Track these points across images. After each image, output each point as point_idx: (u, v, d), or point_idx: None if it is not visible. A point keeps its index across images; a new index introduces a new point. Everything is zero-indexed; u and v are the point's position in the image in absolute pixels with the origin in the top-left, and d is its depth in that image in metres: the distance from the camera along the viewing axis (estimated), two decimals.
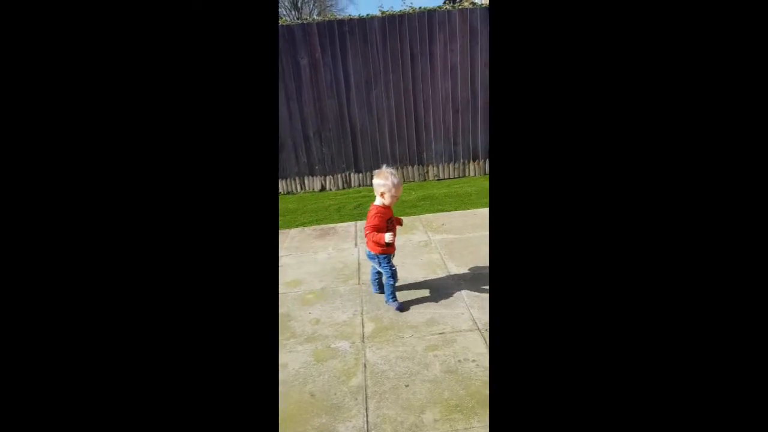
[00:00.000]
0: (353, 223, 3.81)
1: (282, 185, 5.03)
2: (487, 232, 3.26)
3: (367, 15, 4.48)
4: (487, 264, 2.80)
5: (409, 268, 2.82)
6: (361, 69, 4.58)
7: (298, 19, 14.88)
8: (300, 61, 4.54)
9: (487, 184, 4.70)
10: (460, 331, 2.11)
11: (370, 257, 2.34)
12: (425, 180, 5.07)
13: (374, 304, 2.42)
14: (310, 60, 4.53)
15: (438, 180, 5.09)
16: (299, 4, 21.27)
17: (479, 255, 2.94)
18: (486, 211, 3.81)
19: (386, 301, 2.39)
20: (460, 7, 4.52)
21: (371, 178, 5.32)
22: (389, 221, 2.25)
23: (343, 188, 5.04)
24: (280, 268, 2.95)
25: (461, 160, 5.05)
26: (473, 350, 1.95)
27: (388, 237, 2.15)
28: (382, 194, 2.19)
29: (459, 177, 5.09)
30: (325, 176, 5.03)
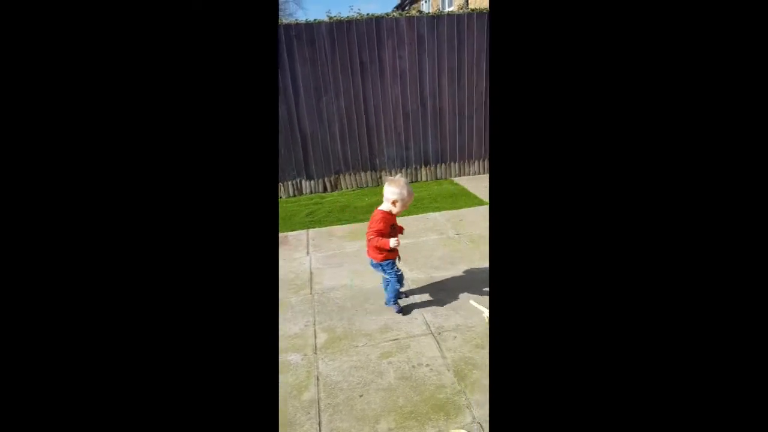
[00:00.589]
0: (305, 231, 3.73)
1: None
2: (439, 236, 3.32)
3: (315, 20, 4.43)
4: (440, 267, 2.83)
5: (363, 274, 2.79)
6: (310, 75, 4.51)
7: None
8: None
9: (438, 189, 4.78)
10: (414, 336, 2.11)
11: (374, 266, 2.30)
12: (378, 185, 5.07)
13: (327, 314, 2.37)
14: None
15: None
16: None
17: (432, 258, 2.97)
18: (438, 215, 3.86)
19: (386, 304, 2.37)
20: (407, 15, 4.59)
21: (323, 185, 5.29)
22: (392, 227, 2.24)
23: (295, 195, 4.93)
24: None
25: (413, 165, 5.11)
26: (427, 354, 1.95)
27: (392, 242, 2.12)
28: (393, 202, 2.16)
29: (411, 182, 5.14)
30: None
